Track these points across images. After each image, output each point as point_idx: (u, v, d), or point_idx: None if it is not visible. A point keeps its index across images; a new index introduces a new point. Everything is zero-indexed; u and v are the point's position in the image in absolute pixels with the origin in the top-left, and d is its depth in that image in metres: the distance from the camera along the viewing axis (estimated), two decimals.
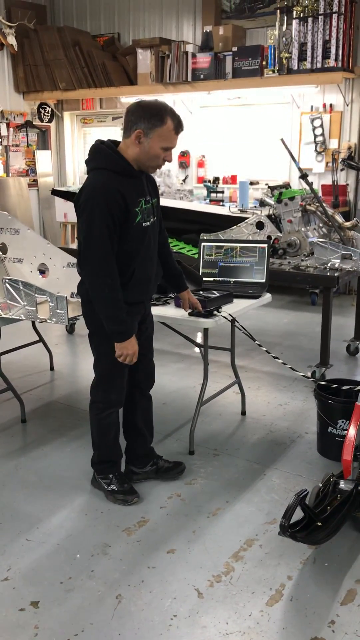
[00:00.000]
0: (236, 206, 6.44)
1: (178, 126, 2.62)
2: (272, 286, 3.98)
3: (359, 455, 2.87)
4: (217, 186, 7.58)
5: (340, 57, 6.14)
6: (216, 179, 7.66)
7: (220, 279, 3.96)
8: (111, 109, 8.44)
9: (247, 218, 5.04)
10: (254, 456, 3.45)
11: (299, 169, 4.91)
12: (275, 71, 6.51)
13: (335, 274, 4.32)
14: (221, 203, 7.22)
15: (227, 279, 3.93)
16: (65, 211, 8.07)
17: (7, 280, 3.48)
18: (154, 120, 2.56)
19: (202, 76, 6.96)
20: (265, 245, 3.90)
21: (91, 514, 2.91)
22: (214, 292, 3.50)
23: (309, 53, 6.25)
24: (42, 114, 8.71)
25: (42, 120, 8.73)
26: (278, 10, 6.45)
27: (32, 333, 4.62)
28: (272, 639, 2.18)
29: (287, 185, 5.91)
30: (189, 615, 2.28)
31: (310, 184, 4.78)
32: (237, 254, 3.93)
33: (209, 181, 7.67)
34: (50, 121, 8.86)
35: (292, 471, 3.29)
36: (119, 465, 3.10)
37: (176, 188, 7.83)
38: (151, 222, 2.77)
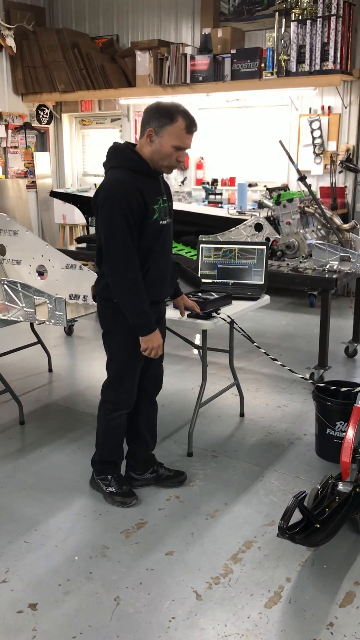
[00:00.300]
0: (235, 208, 6.46)
1: (190, 125, 2.64)
2: (271, 288, 3.98)
3: (357, 457, 2.88)
4: (215, 188, 7.59)
5: (338, 60, 6.16)
6: (215, 181, 7.67)
7: (218, 280, 3.96)
8: (110, 111, 8.45)
9: (245, 220, 5.05)
10: (252, 458, 3.45)
11: (298, 171, 4.91)
12: (274, 73, 6.52)
13: (334, 276, 4.32)
14: (220, 205, 7.23)
15: (225, 280, 3.93)
16: (64, 213, 8.07)
17: (5, 282, 3.48)
18: (164, 118, 2.60)
19: (200, 78, 6.96)
20: (264, 247, 3.90)
21: (89, 516, 2.91)
22: (213, 293, 3.50)
23: (307, 55, 6.27)
24: (40, 116, 8.71)
25: (40, 122, 8.73)
26: (276, 13, 6.46)
27: (31, 335, 4.62)
28: None
29: (285, 187, 5.92)
30: (188, 618, 2.28)
31: (308, 186, 4.78)
32: (236, 256, 3.93)
33: (208, 183, 7.68)
34: (48, 123, 8.86)
35: (290, 473, 3.29)
36: (119, 467, 3.09)
37: (175, 190, 7.84)
38: (167, 222, 2.79)
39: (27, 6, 8.26)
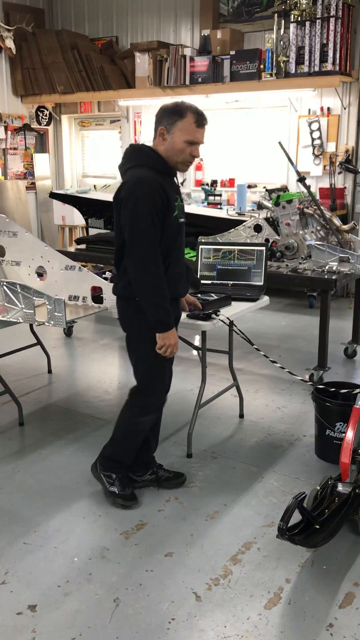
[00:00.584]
0: (234, 209, 6.46)
1: (200, 119, 2.69)
2: (270, 289, 3.98)
3: (356, 458, 2.88)
4: (215, 189, 7.59)
5: (337, 61, 6.16)
6: (214, 182, 7.67)
7: (218, 281, 3.96)
8: (109, 112, 8.45)
9: (245, 221, 5.05)
10: (252, 459, 3.45)
11: (297, 172, 4.91)
12: (273, 75, 6.53)
13: (333, 277, 4.33)
14: (219, 206, 7.23)
15: (225, 281, 3.93)
16: (63, 214, 8.07)
17: (4, 283, 3.48)
18: (174, 115, 2.66)
19: (200, 79, 6.97)
20: (263, 248, 3.90)
21: (89, 517, 2.90)
22: (212, 294, 3.50)
23: (306, 57, 6.27)
24: (40, 117, 8.72)
25: (40, 124, 8.74)
26: (276, 14, 6.47)
27: (30, 336, 4.62)
28: None
29: (284, 189, 5.92)
30: (187, 619, 2.28)
31: (308, 187, 4.78)
32: (235, 257, 3.93)
33: (207, 184, 7.68)
34: (48, 124, 8.87)
35: (290, 474, 3.29)
36: (126, 468, 3.08)
37: None
38: (184, 220, 2.81)
39: (26, 8, 8.26)
